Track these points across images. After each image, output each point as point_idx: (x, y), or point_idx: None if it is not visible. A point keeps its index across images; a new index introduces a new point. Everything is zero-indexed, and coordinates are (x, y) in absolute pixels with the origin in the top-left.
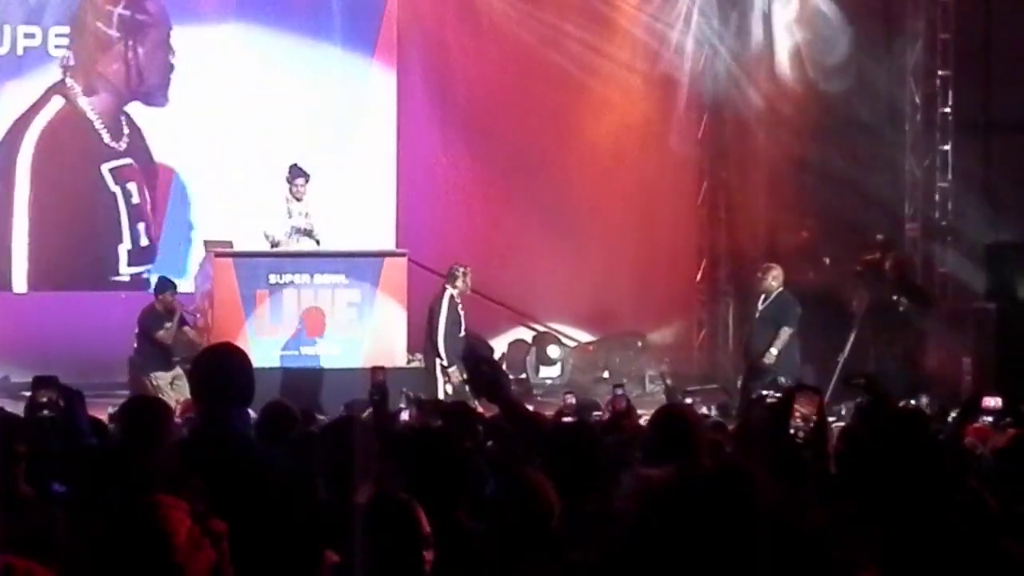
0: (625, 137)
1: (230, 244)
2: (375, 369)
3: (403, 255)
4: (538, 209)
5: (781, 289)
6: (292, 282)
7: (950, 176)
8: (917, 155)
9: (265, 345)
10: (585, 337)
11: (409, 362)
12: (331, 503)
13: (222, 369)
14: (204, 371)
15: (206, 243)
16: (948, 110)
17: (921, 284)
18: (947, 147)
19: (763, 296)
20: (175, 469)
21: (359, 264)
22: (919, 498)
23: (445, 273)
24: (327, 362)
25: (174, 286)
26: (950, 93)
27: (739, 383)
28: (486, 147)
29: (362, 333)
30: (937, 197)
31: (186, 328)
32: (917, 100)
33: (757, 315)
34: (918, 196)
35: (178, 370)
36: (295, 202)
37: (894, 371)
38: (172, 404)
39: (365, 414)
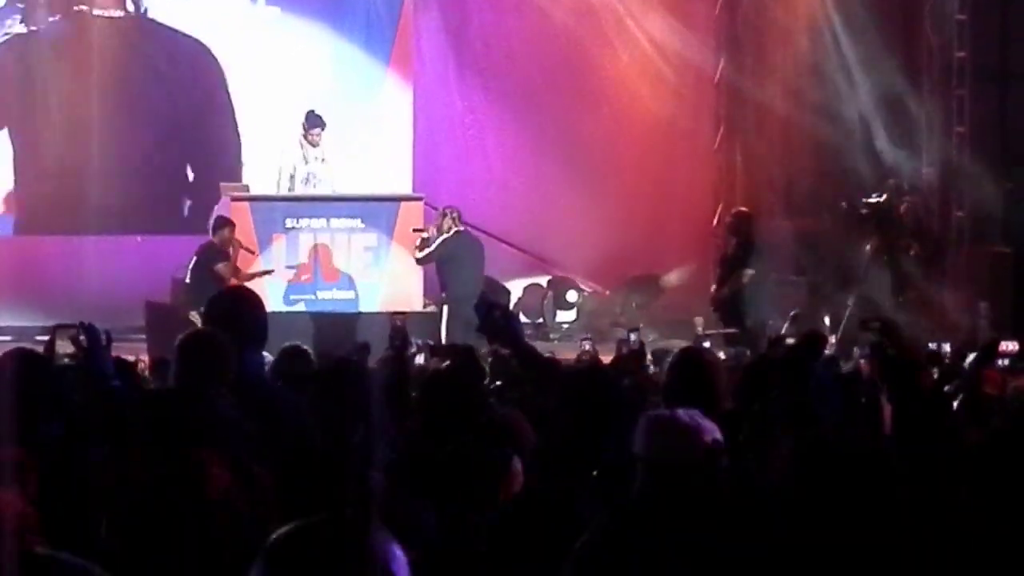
0: (641, 81)
1: (246, 188)
2: (394, 315)
3: (419, 199)
4: (554, 153)
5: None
6: (308, 226)
7: (967, 121)
8: (933, 100)
9: (281, 289)
10: (601, 281)
11: (425, 306)
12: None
13: (235, 311)
14: (218, 313)
15: (222, 186)
16: (964, 55)
17: (934, 229)
18: (963, 92)
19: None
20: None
21: (375, 208)
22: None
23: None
24: (344, 306)
25: (232, 224)
26: (967, 38)
27: None
28: (502, 91)
29: (378, 278)
30: (954, 142)
31: (219, 267)
32: (933, 45)
33: (722, 259)
34: (934, 141)
35: None
36: (311, 148)
37: (909, 316)
38: None
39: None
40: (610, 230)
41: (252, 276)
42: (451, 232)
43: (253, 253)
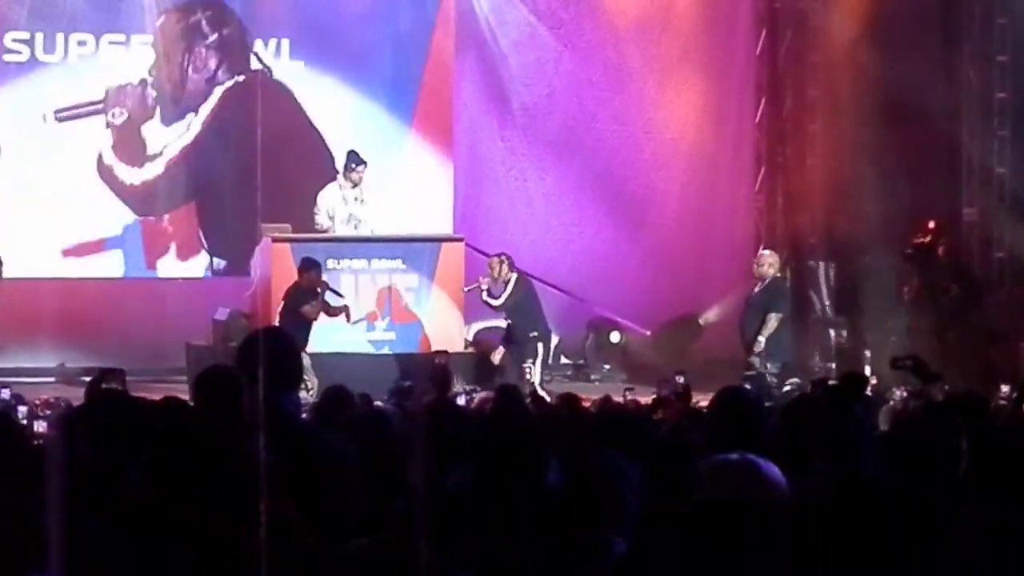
0: (682, 123)
1: (288, 228)
2: (437, 353)
3: (460, 240)
4: (595, 194)
5: (776, 275)
6: (349, 267)
7: (1008, 162)
8: (974, 141)
9: (324, 329)
10: (641, 322)
11: (466, 347)
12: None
13: (271, 352)
14: (253, 354)
15: (263, 227)
16: (1005, 95)
17: (973, 270)
18: (1005, 132)
19: (759, 283)
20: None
21: (416, 249)
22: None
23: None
24: (386, 347)
25: (318, 264)
26: (1008, 79)
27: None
28: (542, 132)
29: (420, 318)
30: (994, 183)
31: (306, 308)
32: (974, 86)
33: (749, 301)
34: (975, 182)
35: (307, 357)
36: (350, 188)
37: (953, 358)
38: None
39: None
40: (651, 271)
41: (334, 315)
42: (514, 277)
43: (340, 296)
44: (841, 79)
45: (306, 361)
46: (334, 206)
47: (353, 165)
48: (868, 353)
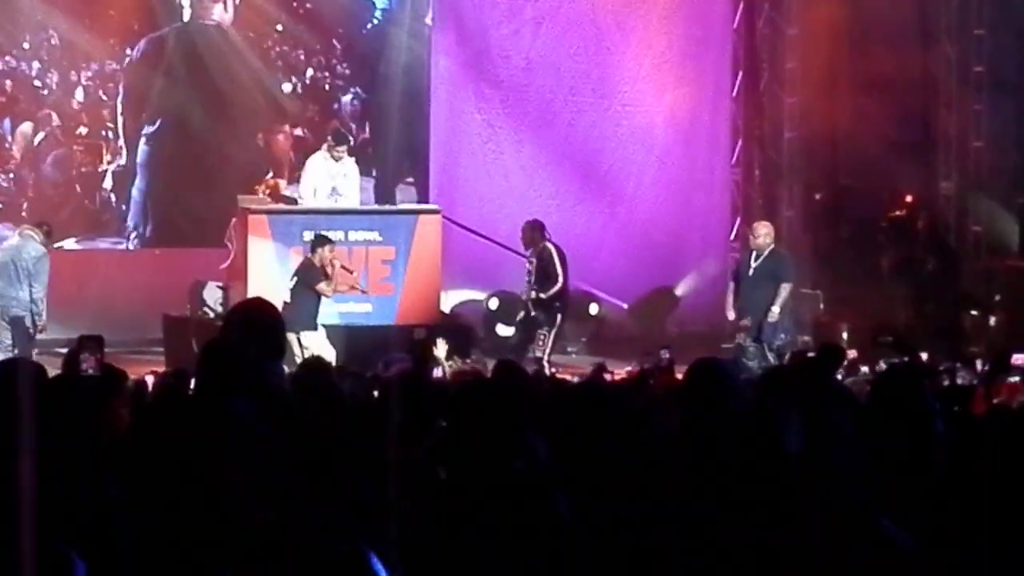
0: (659, 95)
1: (266, 201)
2: (416, 327)
3: (437, 212)
4: (572, 167)
5: (773, 246)
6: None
7: (984, 135)
8: (951, 114)
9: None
10: (619, 294)
11: (444, 319)
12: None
13: (255, 323)
14: (239, 325)
15: (240, 199)
16: (981, 69)
17: (951, 243)
18: (980, 106)
19: (755, 254)
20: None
21: (393, 221)
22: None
23: (477, 231)
24: (362, 319)
25: (331, 241)
26: (985, 52)
27: (740, 341)
28: (520, 104)
29: (397, 290)
30: (971, 156)
31: (320, 286)
32: (951, 59)
33: (751, 272)
34: (952, 155)
35: (323, 330)
36: (334, 164)
37: (927, 329)
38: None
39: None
40: (629, 244)
41: (345, 291)
42: (552, 248)
43: (351, 272)
44: (818, 52)
45: (322, 335)
46: (318, 180)
47: (334, 143)
48: (845, 326)
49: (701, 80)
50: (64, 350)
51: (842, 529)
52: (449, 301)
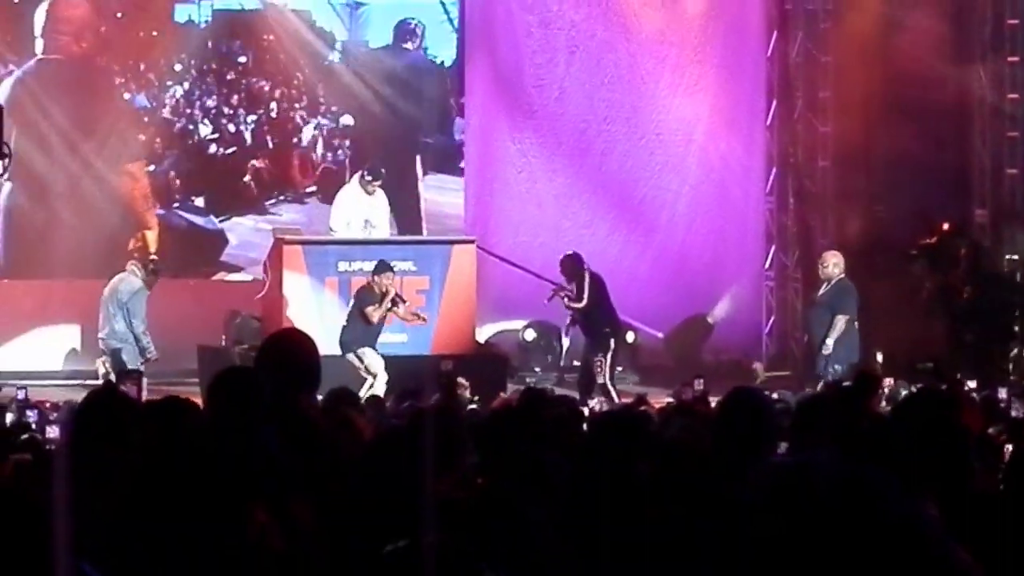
0: (693, 124)
1: (299, 232)
2: (443, 358)
3: (472, 242)
4: (606, 196)
5: (842, 276)
6: (361, 269)
7: (1018, 162)
8: (985, 141)
9: (335, 332)
10: (654, 324)
11: (479, 349)
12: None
13: (290, 354)
14: (272, 356)
15: (274, 229)
16: (1016, 96)
17: (996, 271)
18: (1015, 133)
19: (825, 283)
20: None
21: (428, 251)
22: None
23: (511, 261)
24: (396, 349)
25: (389, 268)
26: (1019, 80)
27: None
28: (554, 134)
29: (430, 321)
30: (1005, 184)
31: (368, 309)
32: (985, 86)
33: (815, 302)
34: (986, 183)
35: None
36: (366, 196)
37: (966, 358)
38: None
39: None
40: (663, 273)
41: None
42: (587, 275)
43: (404, 302)
44: (852, 80)
45: (376, 361)
46: (350, 212)
47: (369, 178)
48: (880, 354)
49: (735, 109)
50: (98, 382)
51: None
52: (484, 332)
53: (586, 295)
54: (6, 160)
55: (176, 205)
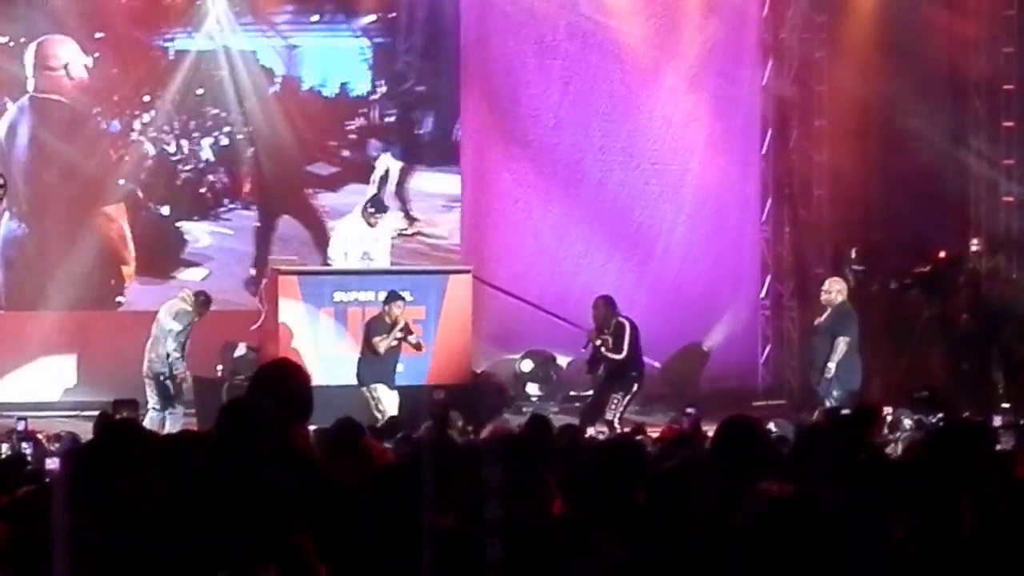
0: (689, 154)
1: (295, 261)
2: (436, 388)
3: (467, 272)
4: (602, 226)
5: (842, 300)
6: (357, 299)
7: (1014, 190)
8: (981, 168)
9: (331, 362)
10: (650, 353)
11: (476, 379)
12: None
13: (283, 384)
14: (265, 386)
15: (271, 260)
16: (1011, 123)
17: (990, 300)
18: (1011, 161)
19: (826, 309)
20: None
21: (424, 281)
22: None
23: (507, 291)
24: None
25: (399, 299)
26: (1014, 106)
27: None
28: (549, 163)
29: (427, 350)
30: (1001, 211)
31: (375, 339)
32: (981, 113)
33: (816, 327)
34: (982, 211)
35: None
36: (367, 228)
37: (962, 387)
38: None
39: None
40: (659, 302)
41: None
42: (627, 323)
43: (411, 332)
44: (847, 110)
45: (388, 398)
46: (348, 243)
47: (372, 210)
48: (877, 381)
49: (730, 138)
50: (95, 412)
51: None
52: (480, 362)
53: (625, 347)
54: (2, 189)
55: (144, 213)
